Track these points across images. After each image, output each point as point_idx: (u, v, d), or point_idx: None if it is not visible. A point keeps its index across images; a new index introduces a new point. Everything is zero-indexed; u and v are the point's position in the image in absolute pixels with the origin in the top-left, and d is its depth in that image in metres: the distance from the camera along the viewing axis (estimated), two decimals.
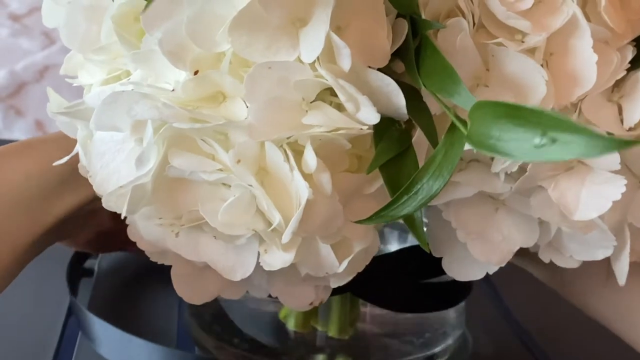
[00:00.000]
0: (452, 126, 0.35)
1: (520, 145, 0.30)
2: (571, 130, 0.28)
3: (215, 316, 0.57)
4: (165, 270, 0.45)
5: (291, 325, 0.55)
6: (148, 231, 0.42)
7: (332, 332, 0.55)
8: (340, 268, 0.41)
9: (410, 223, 0.37)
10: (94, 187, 0.42)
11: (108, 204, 0.40)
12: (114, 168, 0.41)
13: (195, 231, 0.41)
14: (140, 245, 0.44)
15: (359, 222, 0.38)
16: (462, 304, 0.58)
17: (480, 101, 0.32)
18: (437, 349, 0.57)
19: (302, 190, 0.36)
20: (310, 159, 0.36)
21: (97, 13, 0.42)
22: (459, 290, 0.57)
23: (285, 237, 0.37)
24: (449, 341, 0.58)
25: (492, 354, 0.63)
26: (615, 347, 0.64)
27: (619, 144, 0.28)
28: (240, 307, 0.56)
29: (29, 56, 1.18)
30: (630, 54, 0.39)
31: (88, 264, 0.74)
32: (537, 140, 0.29)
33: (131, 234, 0.44)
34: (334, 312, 0.55)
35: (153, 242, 0.43)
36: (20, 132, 1.29)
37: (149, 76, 0.40)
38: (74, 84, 0.45)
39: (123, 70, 0.42)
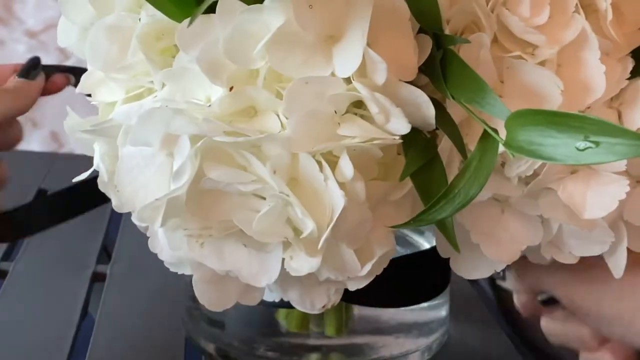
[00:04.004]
0: (485, 134, 0.37)
1: (563, 149, 0.32)
2: (614, 133, 0.31)
3: (214, 319, 0.59)
4: (174, 275, 0.46)
5: (290, 326, 0.57)
6: (172, 242, 0.43)
7: (329, 332, 0.57)
8: (363, 271, 0.43)
9: (442, 226, 0.40)
10: (118, 201, 0.43)
11: (142, 217, 0.41)
12: (143, 182, 0.42)
13: (219, 241, 0.42)
14: (160, 256, 0.45)
15: (396, 226, 0.40)
16: (448, 301, 0.61)
17: (518, 110, 0.35)
18: (425, 344, 0.59)
19: (337, 199, 0.38)
20: (347, 168, 0.38)
21: (118, 33, 0.43)
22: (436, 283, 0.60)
23: (321, 244, 0.39)
24: (436, 336, 0.60)
25: (477, 348, 0.66)
26: None
27: None
28: (239, 310, 0.58)
29: None
30: (630, 64, 0.42)
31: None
32: (580, 144, 0.32)
33: (152, 246, 0.46)
34: (330, 313, 0.56)
35: (176, 252, 0.44)
36: (36, 143, 1.31)
37: (177, 93, 0.41)
38: (91, 102, 0.46)
39: (145, 88, 0.43)
